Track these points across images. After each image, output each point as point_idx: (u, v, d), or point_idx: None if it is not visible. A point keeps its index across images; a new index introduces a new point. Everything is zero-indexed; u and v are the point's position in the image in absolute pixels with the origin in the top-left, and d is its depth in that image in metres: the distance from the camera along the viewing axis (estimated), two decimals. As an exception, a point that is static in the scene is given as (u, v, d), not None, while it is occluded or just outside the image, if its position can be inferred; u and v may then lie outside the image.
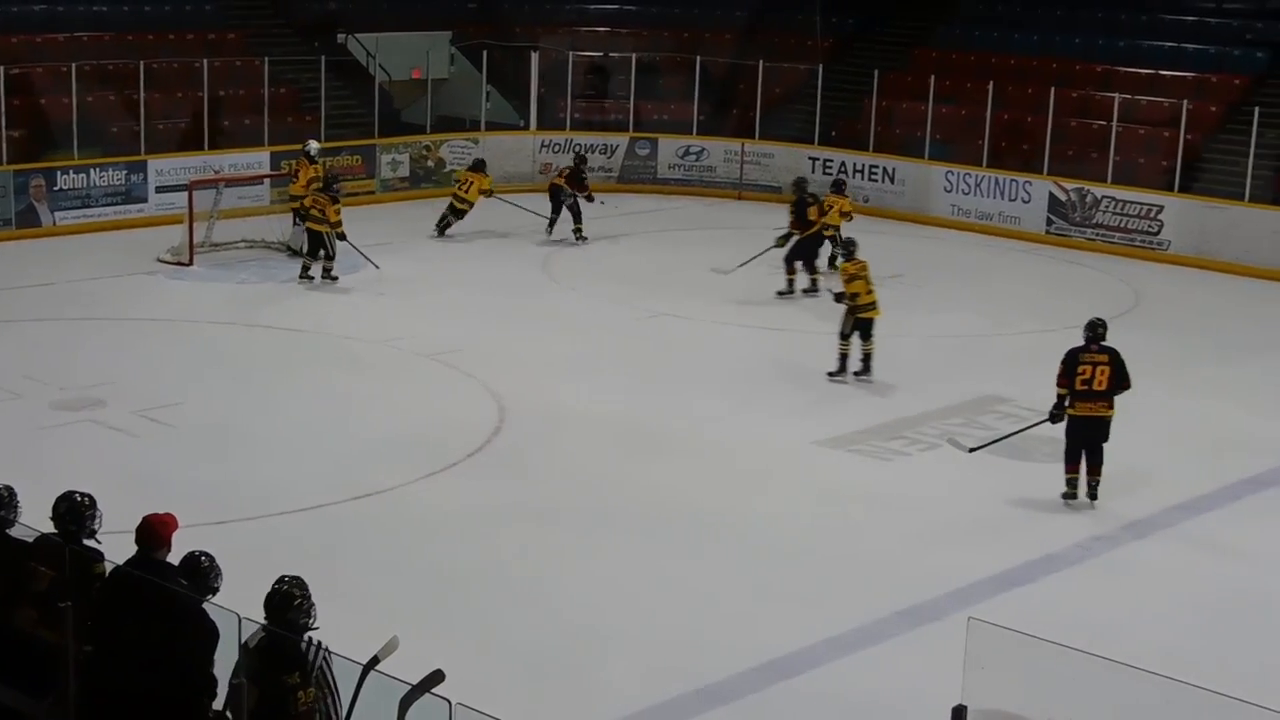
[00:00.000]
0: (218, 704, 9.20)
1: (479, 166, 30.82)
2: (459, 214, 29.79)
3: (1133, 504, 17.17)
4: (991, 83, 33.28)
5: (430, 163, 34.18)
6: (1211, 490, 17.81)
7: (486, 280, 26.65)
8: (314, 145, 28.33)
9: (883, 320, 21.37)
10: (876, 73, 34.75)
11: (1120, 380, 16.87)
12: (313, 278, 26.02)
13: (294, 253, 27.17)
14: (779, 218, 32.62)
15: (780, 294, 26.04)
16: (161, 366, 21.09)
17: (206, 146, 31.22)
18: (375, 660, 8.73)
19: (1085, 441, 16.98)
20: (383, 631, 9.04)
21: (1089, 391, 16.81)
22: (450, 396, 20.26)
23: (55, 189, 29.05)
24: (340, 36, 36.12)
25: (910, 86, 34.86)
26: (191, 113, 31.58)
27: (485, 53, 36.23)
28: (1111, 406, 16.92)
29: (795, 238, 26.47)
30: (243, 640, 8.91)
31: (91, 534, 10.10)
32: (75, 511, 10.12)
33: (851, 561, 15.48)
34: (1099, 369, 16.80)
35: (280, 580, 9.28)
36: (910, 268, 28.65)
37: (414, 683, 8.33)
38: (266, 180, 31.06)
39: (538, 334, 23.32)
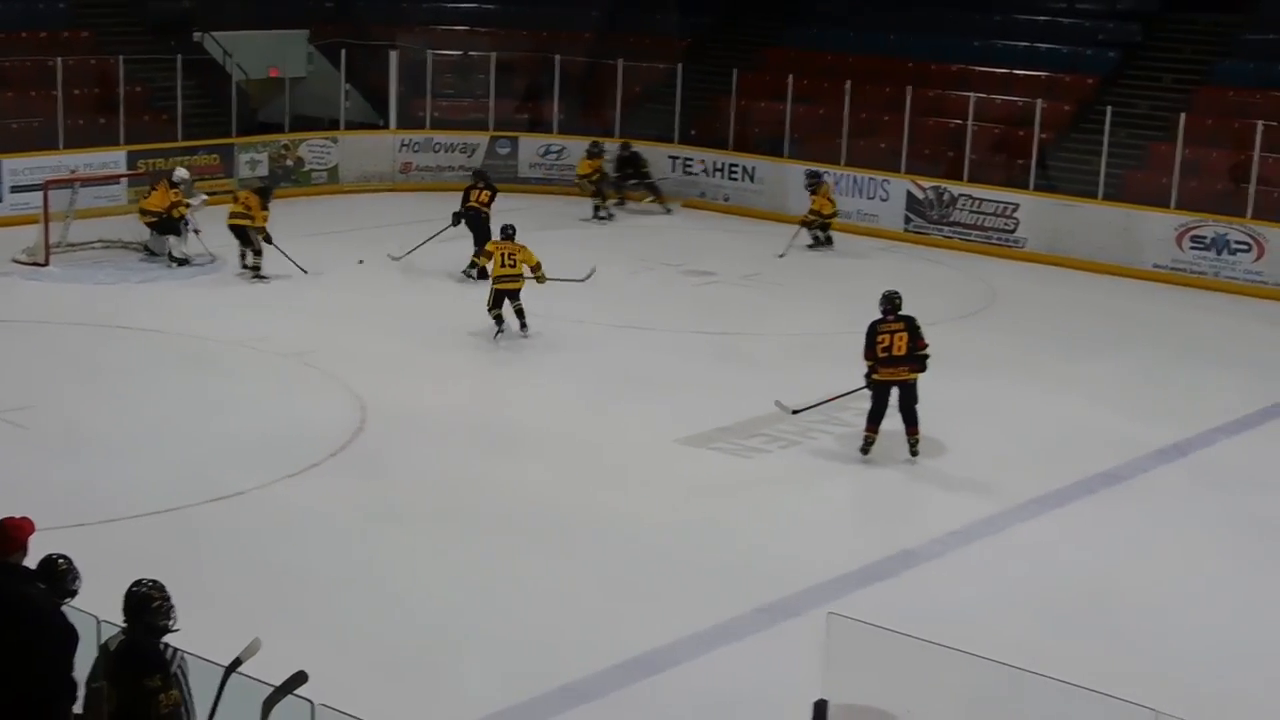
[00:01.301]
0: (77, 707, 9.11)
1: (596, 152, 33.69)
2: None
3: (987, 499, 17.40)
4: (849, 82, 33.53)
5: (289, 162, 33.95)
6: (1064, 484, 18.03)
7: (347, 280, 26.50)
8: (182, 172, 27.92)
9: (742, 319, 21.45)
10: (735, 72, 34.91)
11: (915, 342, 18.19)
12: (265, 277, 26.22)
13: (150, 254, 26.88)
14: (641, 215, 32.85)
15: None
16: (16, 368, 20.80)
17: (61, 146, 30.80)
18: (237, 662, 8.69)
19: (900, 406, 18.31)
20: (244, 633, 9.00)
21: (890, 357, 18.19)
22: (311, 397, 20.15)
23: (-92, 189, 28.65)
24: (196, 35, 35.75)
25: (768, 85, 35.10)
26: (45, 112, 31.15)
27: (343, 51, 35.98)
28: (914, 370, 18.25)
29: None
30: (101, 643, 8.82)
31: None
32: None
33: (712, 558, 15.53)
34: (896, 336, 18.20)
35: (138, 582, 9.20)
36: (769, 266, 28.87)
37: (276, 684, 8.30)
38: (123, 180, 30.75)
39: (399, 334, 23.21)
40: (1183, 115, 30.14)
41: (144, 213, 27.11)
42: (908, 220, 32.19)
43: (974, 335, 24.93)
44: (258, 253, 26.37)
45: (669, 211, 34.04)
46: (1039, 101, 31.72)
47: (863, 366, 18.38)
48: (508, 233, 23.92)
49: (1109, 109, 30.71)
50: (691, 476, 17.89)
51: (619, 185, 34.38)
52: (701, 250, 30.41)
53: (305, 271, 26.40)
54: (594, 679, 12.88)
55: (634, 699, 12.70)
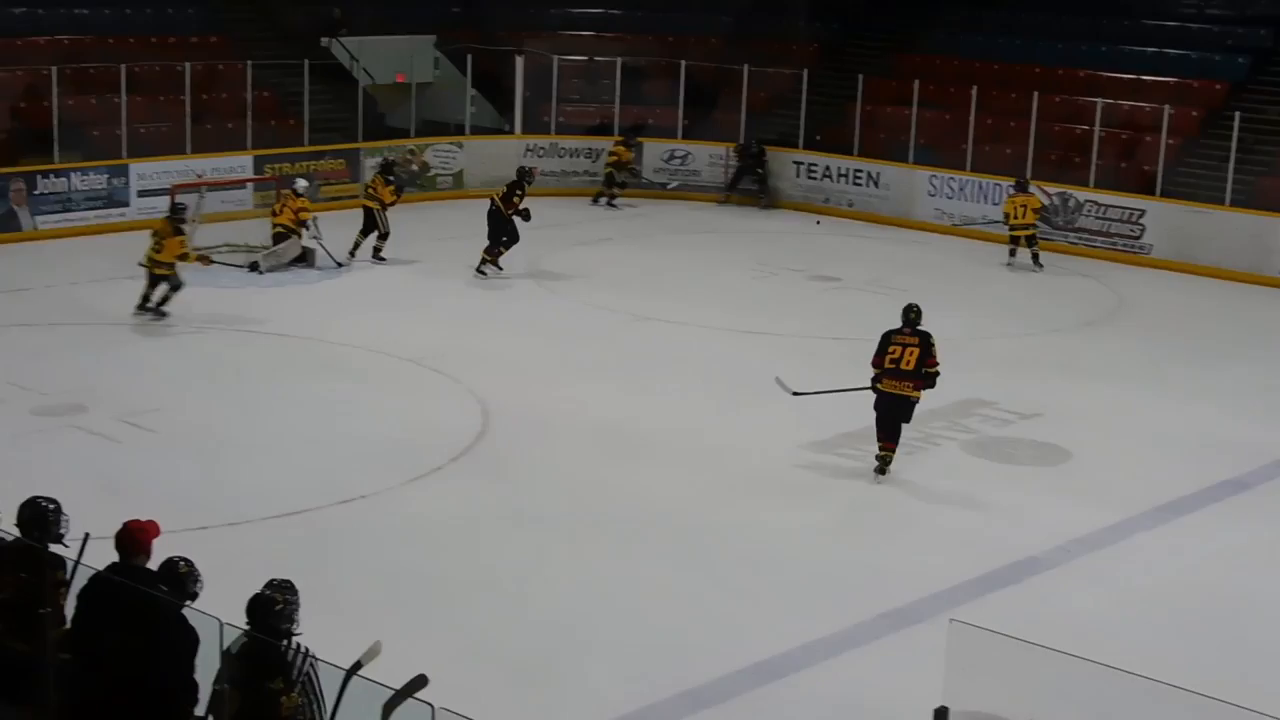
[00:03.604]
0: (199, 710, 9.18)
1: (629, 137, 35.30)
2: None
3: (1113, 506, 17.21)
4: (975, 88, 33.33)
5: (415, 166, 34.12)
6: (1192, 492, 17.85)
7: (472, 284, 26.65)
8: (302, 182, 28.22)
9: (868, 325, 21.25)
10: (861, 77, 34.77)
11: (924, 360, 17.61)
12: (385, 258, 27.83)
13: (256, 270, 26.75)
14: (765, 220, 32.87)
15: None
16: (143, 372, 21.05)
17: (189, 150, 31.16)
18: (358, 665, 8.73)
19: (891, 416, 17.79)
20: (365, 636, 9.05)
21: (896, 370, 17.68)
22: (434, 401, 20.24)
23: (36, 193, 28.98)
24: (324, 40, 36.09)
25: (894, 91, 34.94)
26: (173, 117, 31.53)
27: (469, 57, 36.22)
28: (917, 389, 17.67)
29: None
30: (224, 646, 8.89)
31: (58, 539, 10.04)
32: (40, 518, 10.05)
33: (834, 564, 15.48)
34: (907, 350, 17.67)
35: (268, 584, 9.30)
36: (893, 272, 28.72)
37: (397, 688, 8.33)
38: (249, 184, 31.07)
39: (523, 338, 23.31)
40: (1313, 121, 29.78)
41: (277, 225, 27.36)
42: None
43: (1100, 342, 24.73)
44: (383, 235, 27.77)
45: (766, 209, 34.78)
46: (1167, 108, 31.38)
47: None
48: (173, 213, 23.97)
49: (1238, 115, 30.35)
50: (816, 482, 17.83)
51: (734, 186, 35.02)
52: (825, 256, 30.34)
53: (340, 265, 27.15)
54: (717, 684, 12.87)
55: (756, 704, 12.67)
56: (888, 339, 17.80)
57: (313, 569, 13.69)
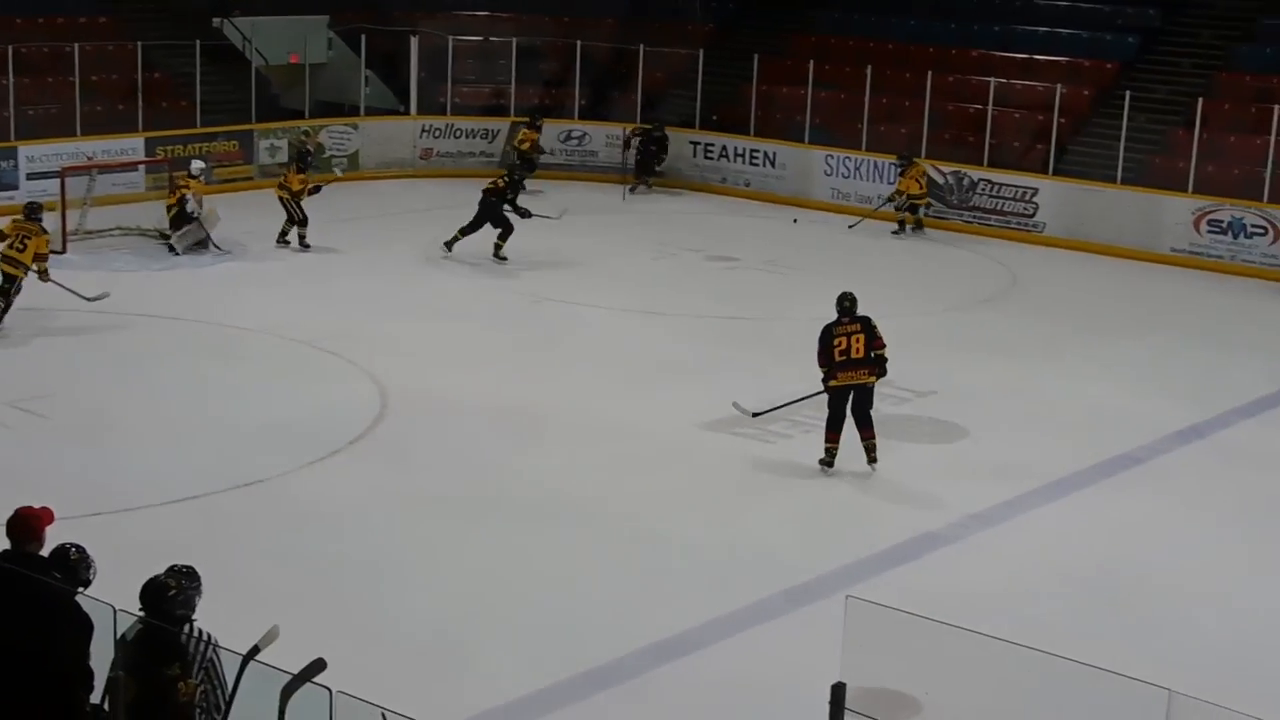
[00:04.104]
0: (95, 697, 9.10)
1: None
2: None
3: (1008, 481, 17.36)
4: (869, 67, 33.46)
5: (310, 148, 33.85)
6: (1085, 467, 18.03)
7: (368, 265, 26.53)
8: (199, 164, 28.10)
9: (765, 304, 21.42)
10: (756, 57, 34.85)
11: (870, 344, 17.41)
12: (309, 246, 27.46)
13: (165, 241, 26.71)
14: (664, 201, 32.84)
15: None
16: (33, 357, 20.82)
17: (79, 132, 30.81)
18: (255, 650, 8.67)
19: (853, 409, 17.51)
20: (263, 621, 8.99)
21: (847, 360, 17.37)
22: (331, 383, 20.13)
23: (-79, 176, 28.66)
24: (215, 21, 35.75)
25: (790, 71, 35.03)
26: (63, 98, 31.14)
27: (364, 37, 35.99)
28: (873, 374, 17.45)
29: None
30: (119, 633, 8.82)
31: None
32: None
33: (733, 543, 15.53)
34: (853, 338, 17.38)
35: (169, 570, 9.21)
36: (790, 251, 28.84)
37: (295, 672, 8.29)
38: (141, 166, 30.75)
39: (422, 320, 23.21)
40: (1200, 100, 30.10)
41: (169, 208, 27.16)
42: (928, 205, 32.05)
43: (994, 319, 24.93)
44: (301, 222, 27.47)
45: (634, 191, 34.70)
46: (1059, 87, 31.67)
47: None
48: (31, 213, 22.28)
49: (1128, 94, 30.67)
50: (714, 461, 17.87)
51: (642, 170, 34.90)
52: (723, 235, 30.40)
53: (224, 251, 26.89)
54: (617, 663, 12.91)
55: (656, 683, 12.70)
56: (829, 333, 17.45)
57: (210, 554, 13.57)
